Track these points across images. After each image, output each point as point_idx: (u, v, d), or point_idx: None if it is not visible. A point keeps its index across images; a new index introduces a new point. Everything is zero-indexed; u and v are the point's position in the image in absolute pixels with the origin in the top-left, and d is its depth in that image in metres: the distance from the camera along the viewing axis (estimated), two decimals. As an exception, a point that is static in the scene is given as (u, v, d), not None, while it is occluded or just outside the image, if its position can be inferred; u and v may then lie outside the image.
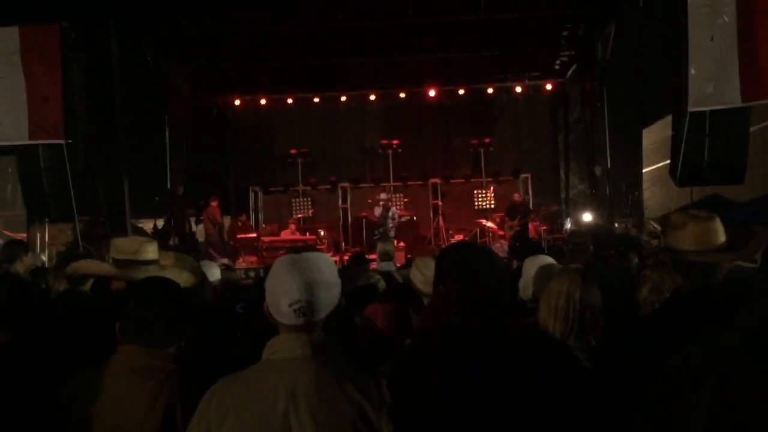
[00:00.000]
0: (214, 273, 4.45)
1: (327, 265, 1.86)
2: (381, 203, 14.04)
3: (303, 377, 1.72)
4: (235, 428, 1.70)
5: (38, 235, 9.13)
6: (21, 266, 5.26)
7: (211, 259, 9.79)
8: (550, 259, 3.35)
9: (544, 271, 3.15)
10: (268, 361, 1.80)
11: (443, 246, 14.27)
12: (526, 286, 3.21)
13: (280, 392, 1.70)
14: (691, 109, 7.35)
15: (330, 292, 1.81)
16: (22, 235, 9.64)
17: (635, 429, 1.16)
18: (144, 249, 3.38)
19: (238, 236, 14.36)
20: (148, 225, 12.61)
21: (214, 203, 14.09)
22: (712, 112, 7.41)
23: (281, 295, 1.77)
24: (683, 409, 1.00)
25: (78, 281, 3.36)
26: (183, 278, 3.17)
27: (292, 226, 15.02)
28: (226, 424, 1.71)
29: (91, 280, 3.44)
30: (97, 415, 2.04)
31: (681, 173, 7.61)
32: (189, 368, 2.15)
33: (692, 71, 7.27)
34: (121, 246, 3.49)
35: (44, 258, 8.77)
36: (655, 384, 1.09)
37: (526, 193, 16.22)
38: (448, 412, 1.77)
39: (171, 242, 12.19)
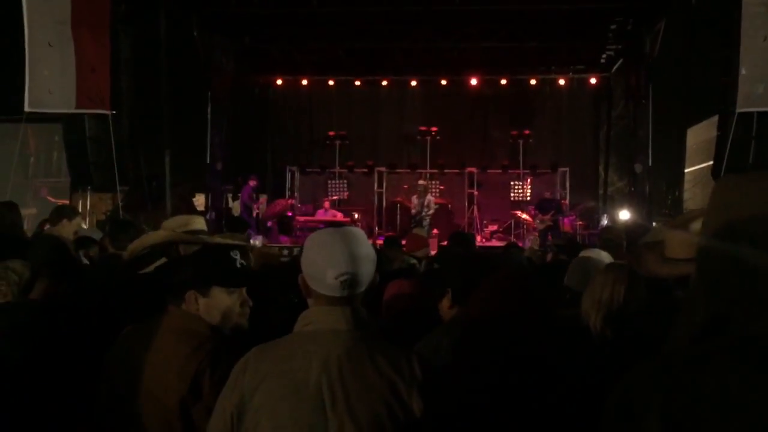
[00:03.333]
0: (256, 246, 4.52)
1: (364, 238, 1.88)
2: (419, 190, 14.01)
3: (336, 349, 1.73)
4: (268, 396, 1.72)
5: (80, 202, 9.35)
6: (63, 229, 5.38)
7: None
8: (604, 254, 3.32)
9: (579, 263, 3.16)
10: (302, 333, 1.81)
11: (477, 235, 14.26)
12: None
13: (313, 363, 1.72)
14: (739, 109, 7.22)
15: (371, 266, 1.83)
16: (65, 202, 9.87)
17: None
18: (192, 221, 3.46)
19: (269, 213, 14.50)
20: (199, 200, 12.83)
21: (252, 183, 14.20)
22: (760, 114, 7.26)
23: (327, 267, 1.77)
24: None
25: (143, 259, 3.20)
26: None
27: (327, 204, 15.09)
28: (259, 392, 1.73)
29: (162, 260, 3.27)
30: (139, 368, 2.11)
31: (724, 175, 7.48)
32: (221, 336, 2.20)
33: (743, 71, 7.12)
34: (170, 224, 3.56)
35: (85, 225, 8.97)
36: (600, 425, 1.06)
37: (564, 187, 16.05)
38: (486, 399, 1.82)
39: (207, 217, 12.36)
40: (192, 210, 11.54)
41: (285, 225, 14.67)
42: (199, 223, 3.49)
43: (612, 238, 5.53)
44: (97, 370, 2.23)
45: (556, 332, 2.01)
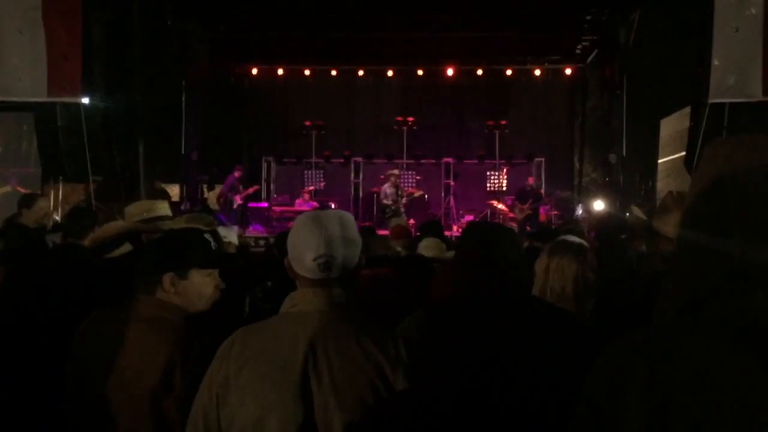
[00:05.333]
0: (233, 236, 4.49)
1: (349, 222, 1.88)
2: (392, 179, 14.00)
3: (322, 330, 1.74)
4: (254, 375, 1.72)
5: (52, 192, 9.20)
6: (24, 218, 5.32)
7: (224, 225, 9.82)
8: (578, 239, 3.38)
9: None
10: (288, 314, 1.82)
11: (453, 225, 14.30)
12: None
13: (299, 343, 1.72)
14: (711, 100, 7.29)
15: (353, 249, 1.84)
16: (36, 192, 9.72)
17: None
18: (155, 206, 3.41)
19: (249, 205, 14.41)
20: (173, 190, 12.69)
21: (236, 173, 14.08)
22: (732, 105, 7.35)
23: (306, 249, 1.79)
24: (615, 416, 0.97)
25: (107, 247, 3.26)
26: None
27: (306, 196, 15.03)
28: (244, 371, 1.73)
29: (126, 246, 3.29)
30: (109, 357, 2.09)
31: (698, 158, 7.57)
32: (196, 325, 2.18)
33: (715, 62, 7.20)
34: (133, 210, 3.52)
35: (57, 217, 8.83)
36: (579, 403, 1.04)
37: (539, 177, 16.16)
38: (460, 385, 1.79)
39: (182, 207, 12.24)
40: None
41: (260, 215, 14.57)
42: (163, 208, 3.45)
43: (573, 228, 5.63)
44: (61, 355, 2.20)
45: (537, 320, 1.97)
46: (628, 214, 11.50)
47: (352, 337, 1.75)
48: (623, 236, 5.84)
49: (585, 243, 2.84)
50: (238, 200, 13.98)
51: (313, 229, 1.80)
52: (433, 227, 5.83)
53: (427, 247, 4.13)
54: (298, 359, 1.71)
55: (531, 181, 14.80)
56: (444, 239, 5.32)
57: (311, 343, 1.72)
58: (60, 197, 9.19)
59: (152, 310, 2.16)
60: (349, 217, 1.91)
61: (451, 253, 4.37)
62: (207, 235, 2.32)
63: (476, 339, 1.88)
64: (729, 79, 7.14)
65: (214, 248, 2.29)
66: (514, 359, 1.83)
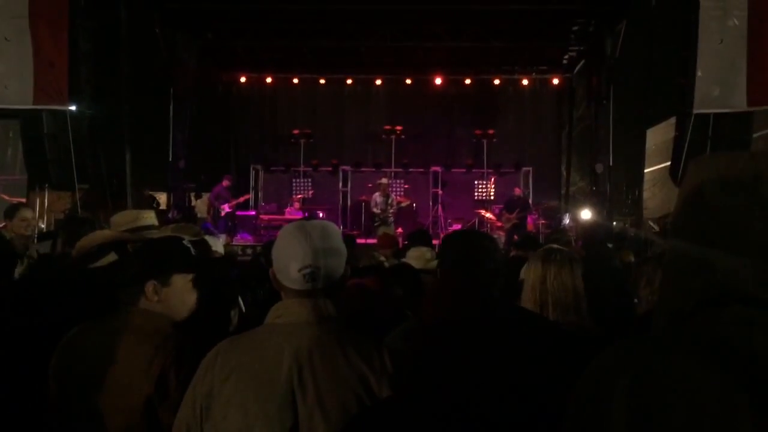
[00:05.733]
0: (219, 245, 4.47)
1: (335, 233, 1.88)
2: (382, 187, 14.02)
3: (307, 341, 1.73)
4: (238, 387, 1.71)
5: (37, 200, 9.14)
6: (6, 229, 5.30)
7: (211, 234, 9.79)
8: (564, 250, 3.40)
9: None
10: (273, 325, 1.81)
11: (441, 234, 14.31)
12: None
13: (283, 354, 1.71)
14: (695, 111, 7.36)
15: (337, 260, 1.83)
16: (22, 200, 9.65)
17: None
18: (142, 216, 3.40)
19: (237, 213, 14.37)
20: (161, 198, 12.64)
21: (225, 182, 14.05)
22: (716, 115, 7.42)
23: (290, 260, 1.78)
24: (599, 424, 0.98)
25: (92, 256, 3.22)
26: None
27: (297, 204, 15.01)
28: (228, 383, 1.72)
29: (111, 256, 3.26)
30: (98, 369, 2.07)
31: (682, 175, 7.62)
32: (184, 333, 2.17)
33: (699, 73, 7.27)
34: (119, 220, 3.50)
35: (42, 225, 8.77)
36: (567, 410, 1.06)
37: (527, 186, 16.23)
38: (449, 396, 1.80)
39: (170, 215, 12.19)
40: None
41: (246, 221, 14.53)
42: (150, 218, 3.44)
43: (560, 237, 5.68)
44: (40, 368, 2.18)
45: (507, 330, 1.98)
46: (614, 223, 11.57)
47: (336, 348, 1.74)
48: (609, 245, 5.88)
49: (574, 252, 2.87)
50: (225, 209, 13.93)
51: (298, 240, 1.79)
52: (421, 236, 5.83)
53: (415, 258, 4.13)
54: (282, 371, 1.70)
55: (518, 191, 14.86)
56: (432, 248, 5.33)
57: (296, 355, 1.71)
58: (46, 205, 9.13)
59: (139, 319, 2.15)
60: (334, 227, 1.91)
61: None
62: (186, 242, 2.31)
63: (464, 353, 1.89)
64: (713, 90, 7.21)
65: (195, 253, 2.28)
66: (502, 370, 1.84)
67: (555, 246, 2.96)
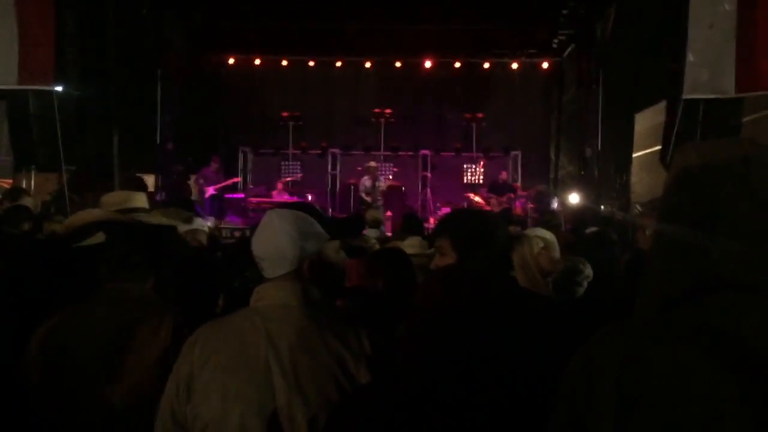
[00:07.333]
0: (203, 226, 4.44)
1: (300, 218, 1.90)
2: (370, 171, 14.00)
3: (286, 324, 1.75)
4: (217, 371, 1.73)
5: (24, 182, 9.07)
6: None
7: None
8: (548, 234, 3.41)
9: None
10: (253, 308, 1.84)
11: (429, 217, 14.33)
12: None
13: (262, 338, 1.74)
14: (685, 96, 7.34)
15: (293, 245, 1.84)
16: (8, 182, 9.58)
17: None
18: (133, 197, 3.38)
19: (226, 196, 14.33)
20: (149, 180, 12.54)
21: (213, 164, 14.00)
22: (706, 100, 7.41)
23: (254, 247, 1.86)
24: (589, 406, 1.00)
25: (79, 234, 3.21)
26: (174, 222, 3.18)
27: (280, 186, 14.98)
28: (207, 367, 1.74)
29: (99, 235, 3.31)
30: (92, 345, 2.08)
31: (671, 160, 7.65)
32: (179, 313, 2.19)
33: (690, 58, 7.25)
34: (109, 200, 3.48)
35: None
36: (559, 389, 1.07)
37: (516, 170, 16.26)
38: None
39: (158, 197, 12.13)
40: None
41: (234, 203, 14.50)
42: (141, 201, 3.43)
43: (551, 219, 5.74)
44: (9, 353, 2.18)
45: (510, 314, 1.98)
46: (602, 207, 11.62)
47: (315, 331, 1.76)
48: (598, 229, 5.91)
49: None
50: (210, 191, 13.90)
51: (261, 227, 1.87)
52: (413, 224, 5.83)
53: (410, 245, 4.10)
54: (260, 353, 1.72)
55: (504, 175, 14.90)
56: (425, 237, 5.31)
57: (274, 338, 1.73)
58: (32, 187, 9.06)
59: (133, 291, 2.18)
60: (304, 215, 1.93)
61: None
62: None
63: (467, 332, 1.89)
64: (703, 75, 7.19)
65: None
66: (503, 348, 1.83)
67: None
